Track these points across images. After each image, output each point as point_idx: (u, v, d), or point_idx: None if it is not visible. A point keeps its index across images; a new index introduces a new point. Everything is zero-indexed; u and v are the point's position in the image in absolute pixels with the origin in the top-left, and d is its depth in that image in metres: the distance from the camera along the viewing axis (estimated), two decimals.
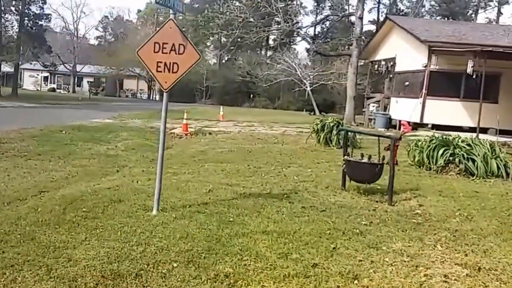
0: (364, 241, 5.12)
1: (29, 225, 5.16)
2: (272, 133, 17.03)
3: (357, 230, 5.46)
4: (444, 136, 9.90)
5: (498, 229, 5.82)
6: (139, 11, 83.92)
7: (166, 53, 5.68)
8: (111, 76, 68.74)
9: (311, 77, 39.50)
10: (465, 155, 9.29)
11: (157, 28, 5.88)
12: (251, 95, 55.61)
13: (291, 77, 40.24)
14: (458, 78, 19.98)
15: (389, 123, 22.65)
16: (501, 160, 9.35)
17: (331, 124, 12.89)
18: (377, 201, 6.96)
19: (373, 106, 25.17)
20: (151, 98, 68.04)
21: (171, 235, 4.93)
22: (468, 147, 9.39)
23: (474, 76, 17.11)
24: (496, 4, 65.07)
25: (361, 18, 26.32)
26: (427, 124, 20.16)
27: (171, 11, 5.75)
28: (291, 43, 58.48)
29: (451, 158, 9.41)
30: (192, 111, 28.77)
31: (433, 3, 67.92)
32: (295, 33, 42.00)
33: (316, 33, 59.60)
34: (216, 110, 29.95)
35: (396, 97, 23.29)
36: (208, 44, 73.40)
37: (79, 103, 40.57)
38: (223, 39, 66.02)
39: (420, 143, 9.78)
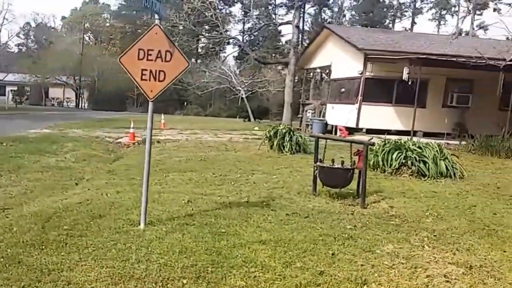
0: (358, 245, 5.15)
1: (10, 247, 4.72)
2: (219, 140, 16.86)
3: (346, 235, 5.48)
4: (396, 140, 10.23)
5: (469, 228, 6.07)
6: (63, 17, 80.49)
7: (152, 60, 5.41)
8: (36, 85, 65.32)
9: (246, 84, 39.60)
10: (417, 158, 9.65)
11: (142, 34, 5.56)
12: (185, 103, 54.93)
13: (225, 85, 40.11)
14: (391, 85, 20.80)
15: (326, 129, 23.14)
16: (449, 161, 9.80)
17: (284, 131, 12.95)
18: (350, 205, 7.04)
19: (310, 112, 25.62)
20: (79, 106, 65.39)
21: (170, 250, 4.70)
22: (419, 150, 9.75)
23: (410, 83, 17.86)
24: (411, 14, 68.70)
25: (297, 27, 26.83)
26: (362, 129, 20.80)
27: (156, 16, 5.50)
28: (221, 51, 58.52)
29: (404, 161, 9.73)
30: (127, 120, 27.93)
31: (353, 13, 70.67)
32: (226, 40, 42.14)
33: (251, 40, 60.00)
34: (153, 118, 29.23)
35: (332, 103, 23.85)
36: None
37: (5, 113, 38.12)
38: None
39: (374, 147, 10.02)
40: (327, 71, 25.14)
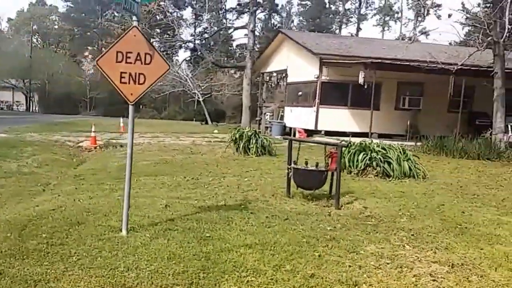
0: (341, 246, 5.16)
1: None
2: (182, 144, 16.62)
3: (328, 236, 5.48)
4: (361, 142, 10.39)
5: (443, 226, 6.20)
6: (9, 19, 77.20)
7: (131, 63, 5.23)
8: None
9: (202, 88, 39.29)
10: (382, 159, 9.83)
11: (119, 36, 5.38)
12: (140, 106, 53.89)
13: (181, 88, 39.63)
14: (346, 88, 21.22)
15: (284, 131, 23.32)
16: (411, 161, 10.04)
17: (249, 134, 12.92)
18: (325, 206, 7.07)
19: (268, 115, 25.75)
20: (30, 110, 62.97)
21: (158, 257, 4.55)
22: (383, 151, 9.94)
23: (365, 86, 18.24)
24: (356, 20, 70.31)
25: (253, 32, 26.88)
26: (320, 131, 21.08)
27: (134, 18, 5.33)
28: (173, 55, 57.83)
29: (369, 162, 9.89)
30: (84, 124, 27.20)
31: (301, 18, 71.62)
32: (180, 44, 41.65)
33: (202, 44, 59.62)
34: (109, 122, 28.59)
35: (290, 106, 24.05)
36: (86, 54, 69.83)
37: None
38: (103, 49, 63.52)
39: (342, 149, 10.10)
40: (284, 75, 25.35)
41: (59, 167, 10.92)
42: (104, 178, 9.01)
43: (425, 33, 61.25)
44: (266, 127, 24.68)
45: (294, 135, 22.19)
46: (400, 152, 10.02)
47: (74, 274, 4.10)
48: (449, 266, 4.72)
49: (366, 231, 5.81)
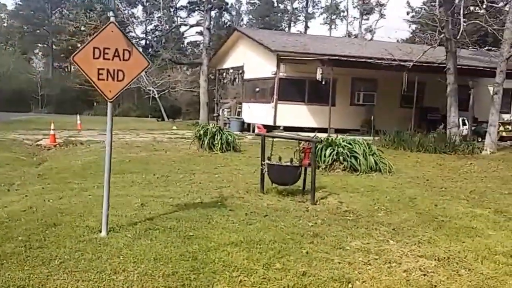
0: (327, 243, 5.10)
1: None
2: (144, 140, 16.18)
3: (311, 232, 5.41)
4: (327, 137, 10.42)
5: (420, 220, 6.24)
6: None
7: (109, 59, 4.96)
8: None
9: (157, 84, 38.49)
10: (348, 154, 9.89)
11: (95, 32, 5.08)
12: (94, 103, 52.23)
13: (136, 85, 38.66)
14: (303, 84, 21.33)
15: (243, 127, 23.20)
16: (377, 156, 10.16)
17: (213, 130, 12.71)
18: (300, 202, 7.01)
19: (226, 111, 25.54)
20: None
21: (144, 258, 4.33)
22: (350, 146, 10.01)
23: (323, 83, 18.36)
24: (304, 19, 70.92)
25: (208, 29, 26.56)
26: (279, 127, 21.07)
27: (111, 14, 5.05)
28: None
29: (336, 157, 9.93)
30: (39, 121, 26.09)
31: (250, 17, 71.59)
32: (133, 41, 40.68)
33: (154, 41, 58.34)
34: (64, 119, 27.45)
35: (248, 103, 23.93)
36: (36, 51, 67.13)
37: None
38: (54, 47, 61.52)
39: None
40: (240, 71, 25.20)
41: (21, 166, 10.34)
42: (70, 177, 8.59)
43: (370, 31, 62.79)
44: (225, 123, 24.41)
45: (253, 131, 22.13)
46: (366, 146, 10.12)
47: (59, 279, 3.83)
48: (436, 260, 4.75)
49: (347, 226, 5.78)
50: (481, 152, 15.48)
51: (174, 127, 25.45)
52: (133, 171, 9.09)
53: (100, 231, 5.00)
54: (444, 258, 4.79)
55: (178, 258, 4.37)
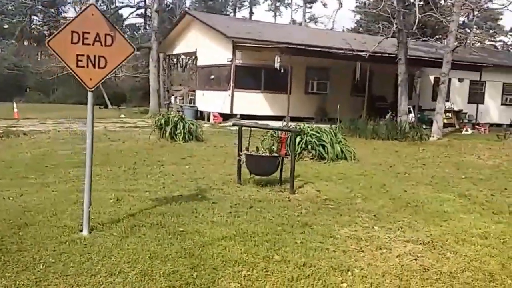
0: (317, 232, 5.04)
1: None
2: (95, 130, 15.42)
3: (300, 223, 5.34)
4: (296, 126, 10.39)
5: (395, 206, 6.32)
6: None
7: (89, 44, 4.61)
8: None
9: None
10: (317, 142, 9.90)
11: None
12: (27, 89, 49.45)
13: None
14: (259, 72, 21.22)
15: (197, 115, 22.82)
16: (343, 144, 10.25)
17: (175, 119, 12.36)
18: (279, 191, 6.89)
19: (178, 99, 25.02)
20: None
21: (138, 257, 4.08)
22: (318, 135, 10.02)
23: (282, 71, 18.33)
24: (249, 4, 70.64)
25: (157, 12, 25.77)
26: (236, 115, 20.91)
27: None
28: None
29: (304, 146, 9.92)
30: None
31: (193, 0, 70.36)
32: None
33: None
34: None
35: (202, 90, 23.52)
36: None
37: None
38: None
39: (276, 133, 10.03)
40: (193, 57, 24.70)
41: None
42: (23, 171, 7.99)
43: (313, 19, 63.42)
44: (178, 111, 23.92)
45: (208, 120, 21.83)
46: (332, 135, 10.17)
47: (51, 285, 3.53)
48: (421, 244, 4.81)
49: (331, 214, 5.75)
50: (428, 139, 16.05)
51: (122, 115, 24.68)
52: (95, 164, 8.58)
53: (81, 230, 4.68)
54: (428, 242, 4.86)
55: (175, 256, 4.15)
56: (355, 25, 45.75)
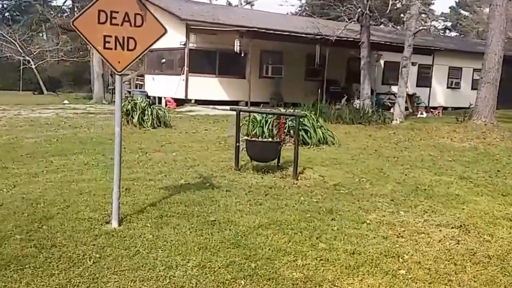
0: (347, 217, 5.14)
1: None
2: (48, 117, 14.69)
3: (324, 209, 5.41)
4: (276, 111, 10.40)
5: (405, 190, 6.51)
6: None
7: (117, 24, 4.39)
8: None
9: (34, 53, 34.95)
10: (300, 127, 9.97)
11: None
12: None
13: (8, 54, 34.78)
14: (214, 56, 20.98)
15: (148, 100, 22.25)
16: (324, 129, 10.41)
17: (143, 105, 11.99)
18: (282, 177, 6.92)
19: (125, 84, 24.18)
20: None
21: (187, 249, 4.01)
22: (300, 120, 10.08)
23: (242, 55, 18.21)
24: None
25: None
26: (191, 100, 20.60)
27: None
28: None
29: (285, 131, 9.96)
30: None
31: None
32: None
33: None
34: None
35: (152, 75, 22.93)
36: None
37: None
38: None
39: (257, 118, 10.02)
40: None
41: None
42: None
43: (249, 2, 63.30)
44: (126, 97, 23.19)
45: (160, 104, 21.34)
46: (314, 120, 10.29)
47: (110, 281, 3.38)
48: (453, 228, 5.02)
49: (349, 200, 5.86)
50: (391, 122, 16.63)
51: (66, 101, 23.60)
52: (76, 152, 8.25)
53: (108, 222, 4.50)
54: (460, 226, 5.07)
55: (222, 246, 4.10)
56: (299, 9, 46.12)
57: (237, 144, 7.19)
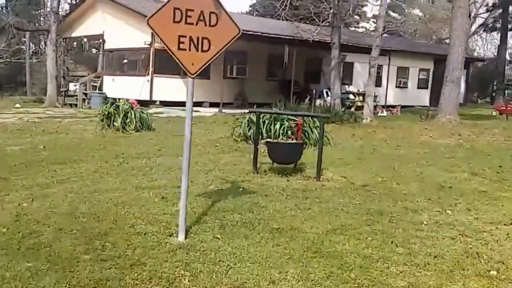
0: (402, 219, 5.04)
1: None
2: (14, 122, 13.72)
3: (371, 210, 5.31)
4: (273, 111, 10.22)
5: (432, 188, 6.52)
6: None
7: (192, 23, 4.04)
8: None
9: None
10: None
11: None
12: None
13: None
14: None
15: (106, 102, 21.38)
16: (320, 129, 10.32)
17: (125, 107, 11.43)
18: (305, 179, 6.74)
19: (79, 85, 23.08)
20: None
21: (276, 262, 3.76)
22: (296, 120, 9.96)
23: None
24: None
25: None
26: (156, 101, 20.00)
27: None
28: None
29: (282, 131, 9.81)
30: None
31: None
32: None
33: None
34: None
35: (112, 76, 22.05)
36: None
37: None
38: None
39: (253, 119, 9.80)
40: (100, 40, 23.03)
41: None
42: None
43: None
44: (84, 99, 22.23)
45: None
46: (310, 120, 10.19)
47: None
48: (506, 225, 5.02)
49: (390, 201, 5.77)
50: (362, 121, 16.87)
51: (18, 105, 22.22)
52: (75, 160, 7.67)
53: (170, 235, 4.16)
54: (507, 223, 5.07)
55: (309, 256, 3.89)
56: (250, 8, 46.00)
57: (258, 147, 6.96)
